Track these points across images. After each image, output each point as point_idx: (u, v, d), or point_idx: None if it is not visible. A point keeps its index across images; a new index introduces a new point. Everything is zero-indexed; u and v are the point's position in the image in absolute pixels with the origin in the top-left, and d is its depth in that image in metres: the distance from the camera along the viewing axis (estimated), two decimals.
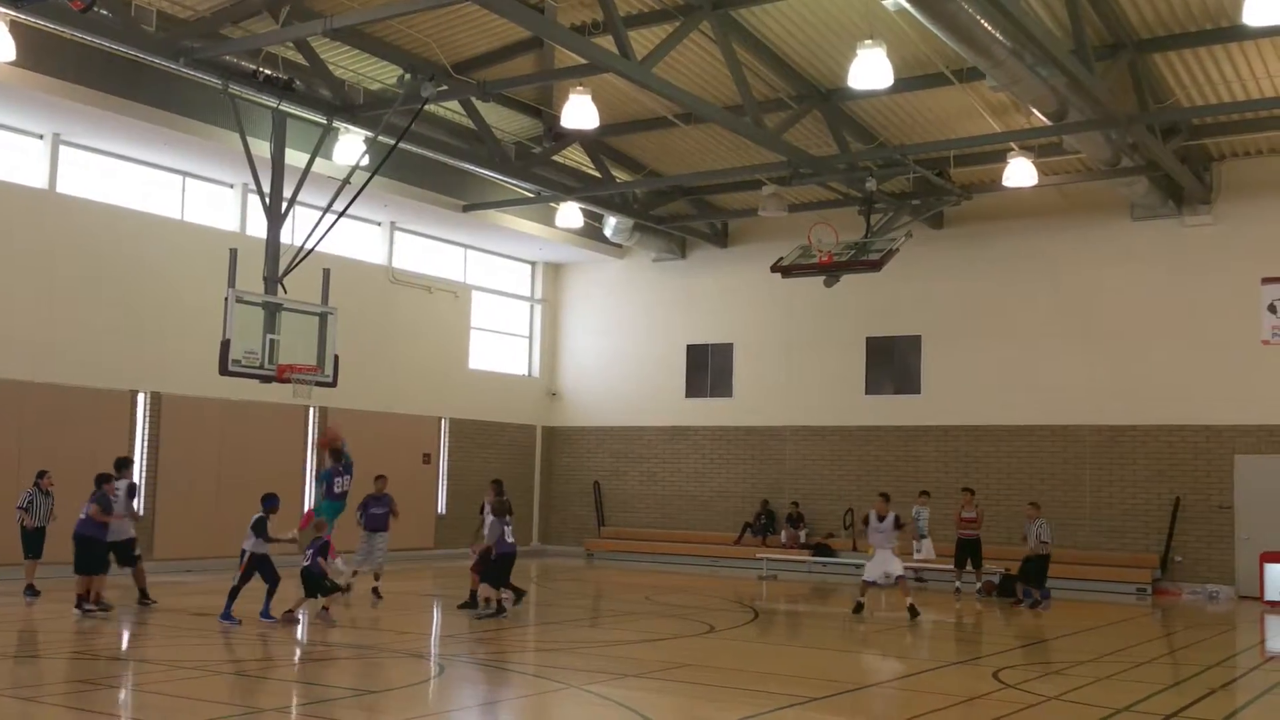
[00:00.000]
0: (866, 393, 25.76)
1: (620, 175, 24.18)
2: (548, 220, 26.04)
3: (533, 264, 29.66)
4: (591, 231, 26.90)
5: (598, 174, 23.39)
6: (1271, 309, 21.88)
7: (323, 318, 17.25)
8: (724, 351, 27.67)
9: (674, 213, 26.46)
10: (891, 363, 25.66)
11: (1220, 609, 20.34)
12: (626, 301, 29.06)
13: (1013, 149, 20.44)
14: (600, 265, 29.04)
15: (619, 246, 28.04)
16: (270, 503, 14.73)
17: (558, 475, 29.25)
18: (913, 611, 16.54)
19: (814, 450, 26.21)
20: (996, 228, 24.41)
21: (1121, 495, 22.87)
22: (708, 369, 27.89)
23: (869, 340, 25.81)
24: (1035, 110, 17.84)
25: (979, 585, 21.07)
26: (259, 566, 14.44)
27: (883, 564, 16.94)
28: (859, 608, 17.01)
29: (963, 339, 24.61)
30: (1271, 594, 20.14)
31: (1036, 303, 23.94)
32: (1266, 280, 21.86)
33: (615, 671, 11.79)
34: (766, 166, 21.74)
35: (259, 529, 14.43)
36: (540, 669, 12.37)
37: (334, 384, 17.33)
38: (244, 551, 14.49)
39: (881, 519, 17.16)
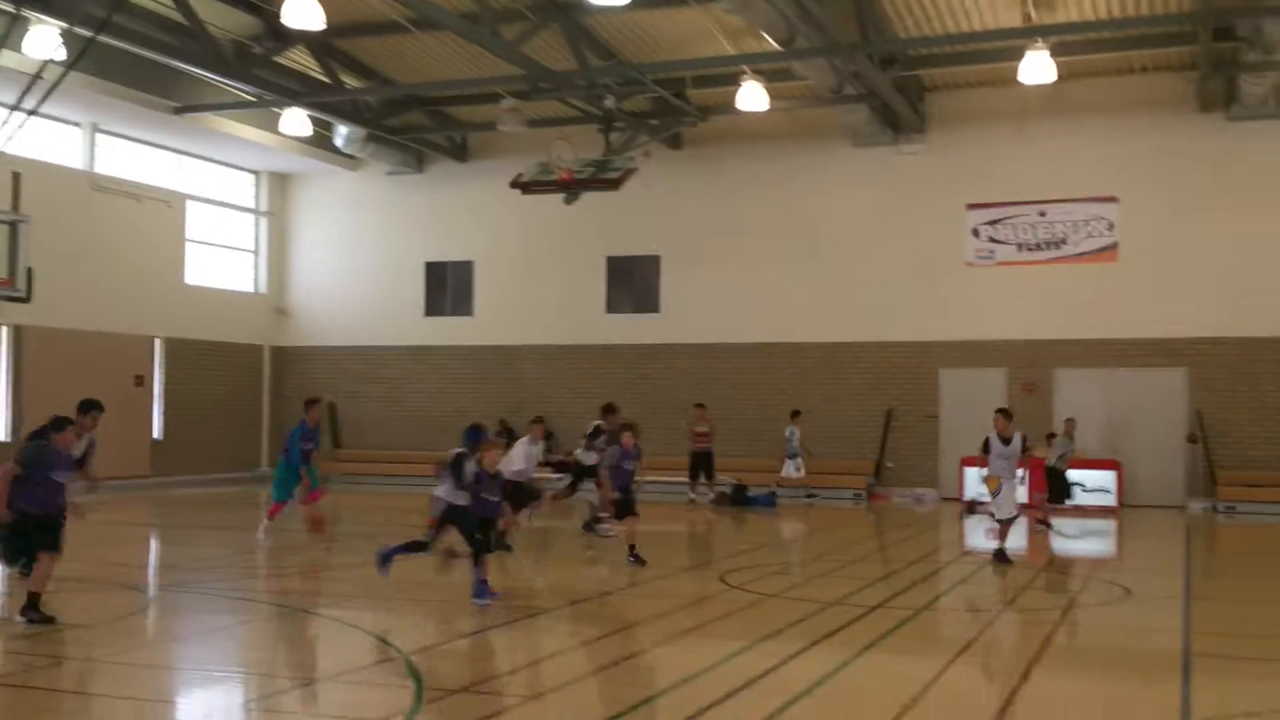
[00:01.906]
0: (607, 311, 26.08)
1: (351, 82, 23.21)
2: (272, 127, 24.68)
3: (257, 174, 28.15)
4: (321, 141, 25.74)
5: (326, 79, 22.36)
6: (976, 233, 23.61)
7: (13, 226, 15.79)
8: (464, 269, 27.29)
9: (410, 124, 25.68)
10: (632, 282, 26.04)
11: (925, 510, 22.01)
12: (361, 216, 28.11)
13: (745, 73, 20.92)
14: (332, 177, 27.89)
15: (351, 158, 27.01)
16: (476, 436, 11.87)
17: (288, 397, 28.17)
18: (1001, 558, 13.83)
19: (554, 369, 26.36)
20: (732, 150, 25.02)
21: (842, 408, 24.20)
22: (448, 287, 27.45)
23: (610, 260, 26.06)
24: (766, 35, 18.30)
25: (712, 496, 21.93)
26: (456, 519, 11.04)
27: (1013, 496, 13.89)
28: (1001, 555, 13.81)
29: (700, 259, 25.21)
30: (970, 495, 21.91)
31: (768, 224, 24.77)
32: (972, 206, 23.56)
33: (344, 594, 11.57)
34: (505, 79, 21.38)
35: (459, 469, 11.04)
36: (270, 595, 11.97)
37: (27, 298, 15.97)
38: (438, 499, 11.09)
39: (1007, 441, 13.76)
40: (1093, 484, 21.51)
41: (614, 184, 19.27)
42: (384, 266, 27.73)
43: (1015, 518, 14.02)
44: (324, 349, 28.17)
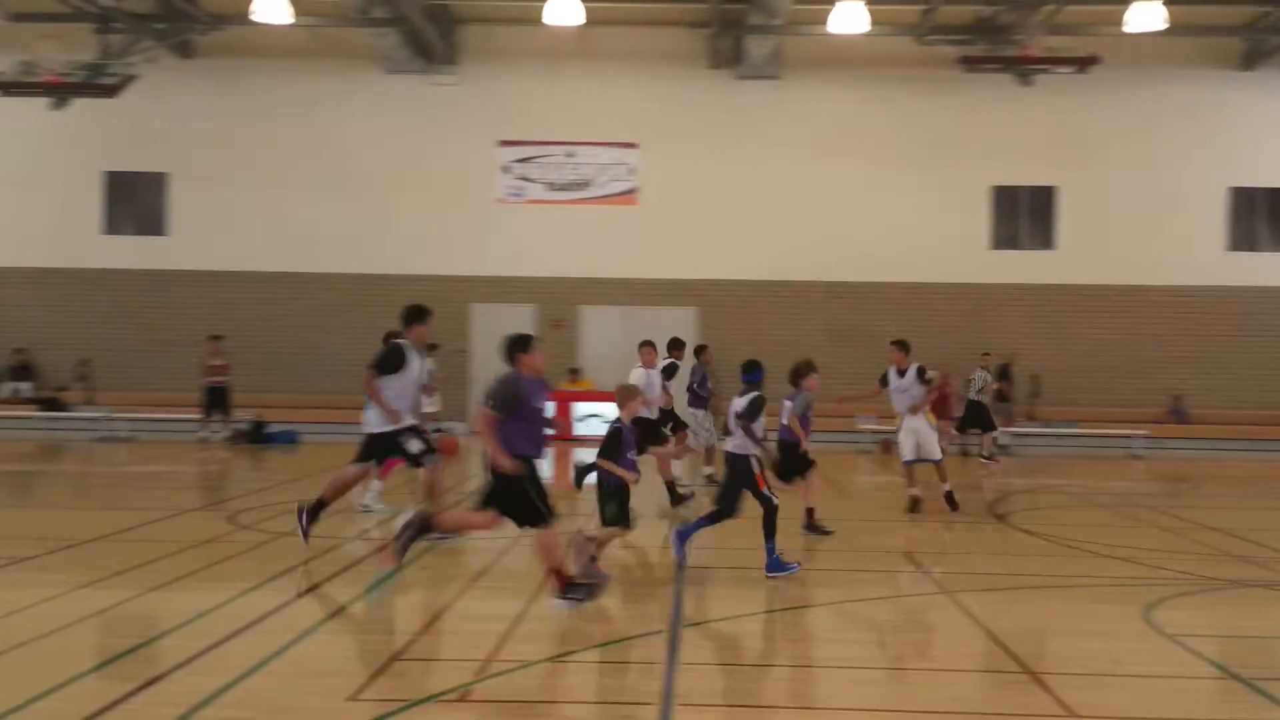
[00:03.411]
0: (105, 232, 23.58)
1: None
2: None
3: None
4: None
5: None
6: (507, 170, 23.79)
7: None
8: None
9: None
10: (134, 201, 23.69)
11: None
12: None
13: None
14: None
15: None
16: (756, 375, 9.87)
17: None
18: (950, 501, 13.03)
19: (43, 295, 23.50)
20: (250, 65, 23.40)
21: (372, 342, 23.50)
22: None
23: (108, 175, 23.54)
24: None
25: (227, 433, 20.61)
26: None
27: (914, 434, 12.92)
28: (915, 504, 13.02)
29: (215, 180, 23.44)
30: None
31: (292, 147, 23.51)
32: (504, 143, 23.69)
33: None
34: None
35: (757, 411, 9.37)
36: None
37: None
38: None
39: (901, 373, 13.07)
40: (614, 416, 22.49)
41: (110, 91, 17.30)
42: None
43: (918, 460, 12.94)
44: None
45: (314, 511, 10.11)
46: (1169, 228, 23.49)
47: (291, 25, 20.39)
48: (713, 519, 9.55)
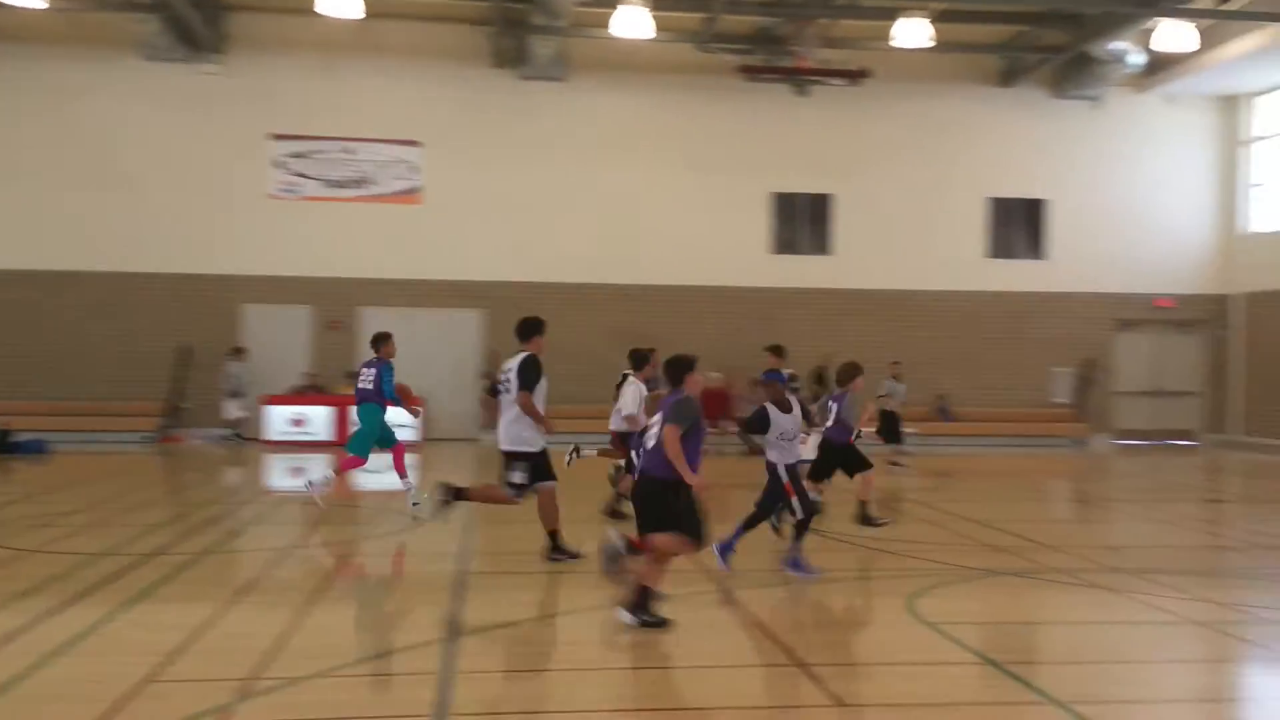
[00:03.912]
0: None
1: None
2: None
3: None
4: None
5: None
6: (280, 165, 22.90)
7: None
8: None
9: None
10: None
11: (223, 452, 20.99)
12: None
13: None
14: None
15: None
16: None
17: None
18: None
19: None
20: (0, 50, 21.71)
21: (132, 344, 22.27)
22: None
23: None
24: None
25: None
26: None
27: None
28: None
29: None
30: (273, 434, 21.34)
31: (44, 136, 21.99)
32: (276, 136, 22.80)
33: None
34: None
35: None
36: None
37: None
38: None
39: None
40: (395, 420, 21.91)
41: None
42: None
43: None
44: None
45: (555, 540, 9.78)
46: (935, 235, 24.71)
47: (45, 9, 19.04)
48: (749, 524, 9.69)
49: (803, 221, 24.65)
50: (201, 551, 10.32)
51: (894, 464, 19.13)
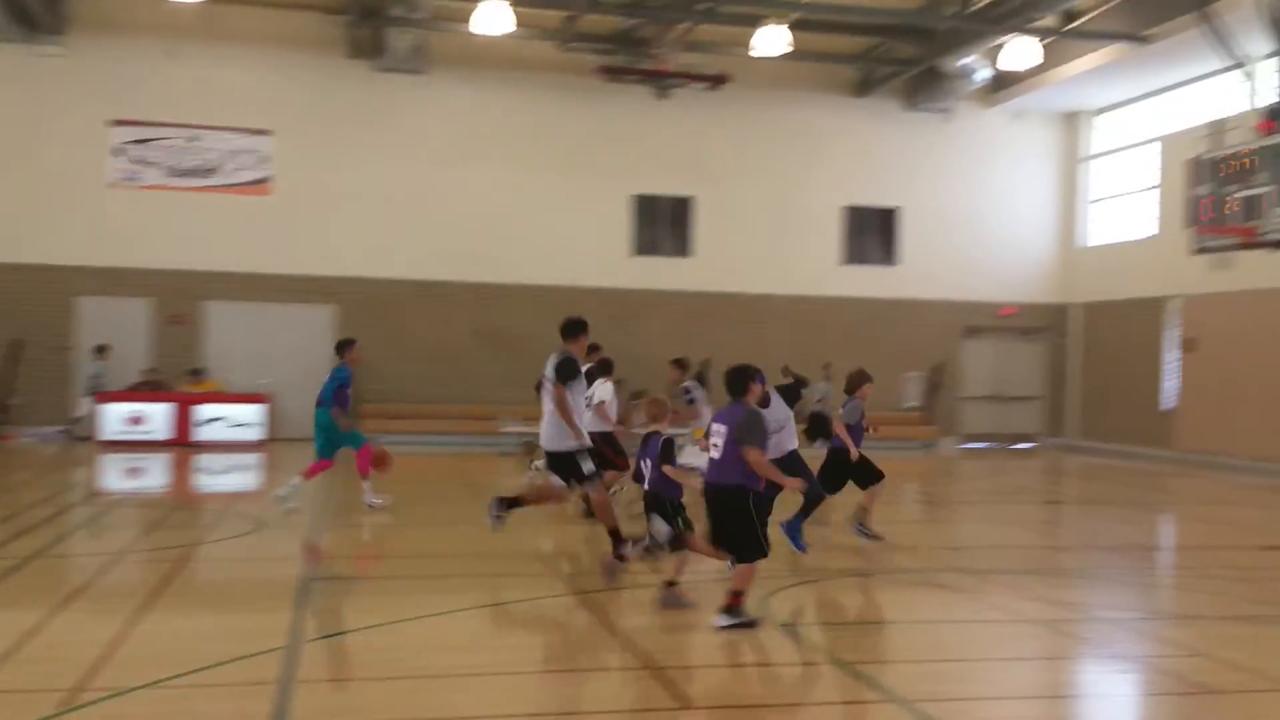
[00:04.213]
0: None
1: None
2: None
3: None
4: None
5: None
6: (120, 152, 21.92)
7: None
8: None
9: None
10: None
11: (58, 450, 19.99)
12: None
13: None
14: None
15: None
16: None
17: None
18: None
19: None
20: None
21: None
22: None
23: None
24: None
25: None
26: None
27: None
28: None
29: None
30: (108, 433, 20.38)
31: None
32: (117, 122, 21.82)
33: None
34: None
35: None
36: None
37: None
38: None
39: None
40: (240, 419, 21.32)
41: None
42: None
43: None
44: None
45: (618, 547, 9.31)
46: (792, 240, 25.10)
47: None
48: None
49: (664, 224, 24.76)
50: (30, 555, 9.74)
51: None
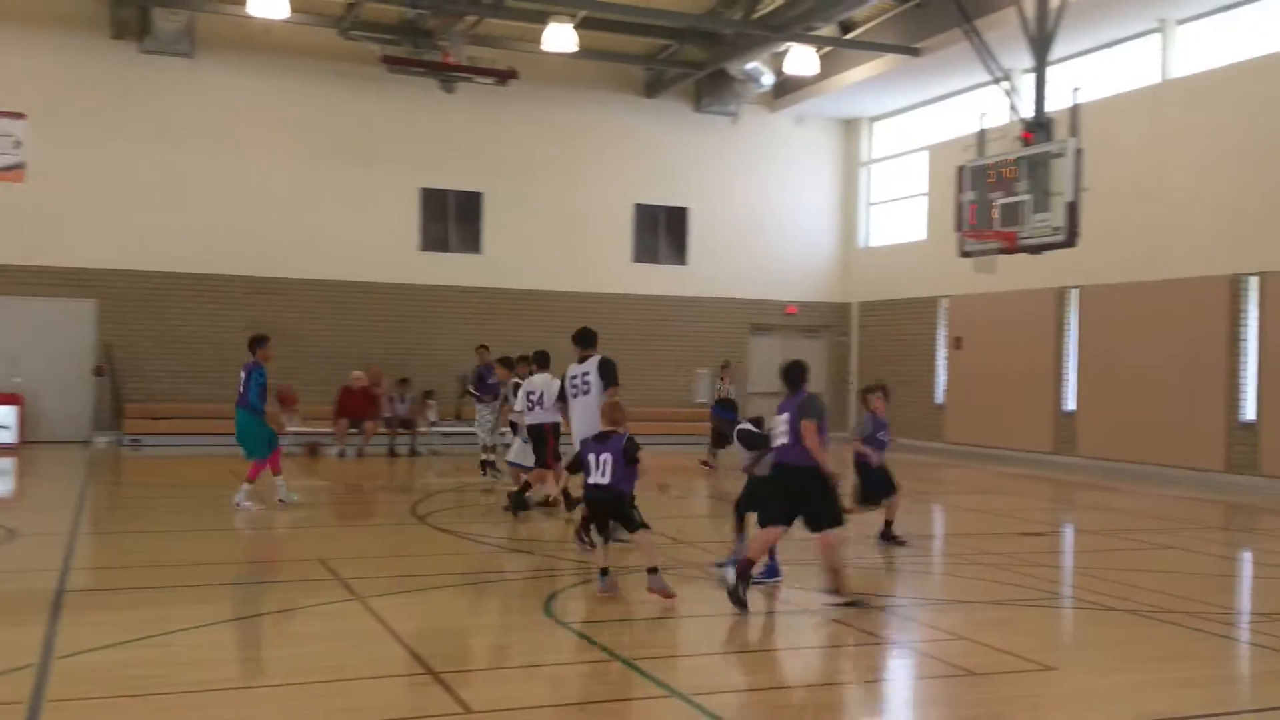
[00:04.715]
0: None
1: None
2: None
3: None
4: None
5: None
6: None
7: None
8: None
9: None
10: None
11: None
12: None
13: None
14: None
15: None
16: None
17: None
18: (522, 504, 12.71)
19: None
20: None
21: None
22: None
23: None
24: None
25: None
26: None
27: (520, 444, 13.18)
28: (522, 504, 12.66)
29: None
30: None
31: None
32: None
33: None
34: None
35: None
36: None
37: None
38: None
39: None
40: None
41: None
42: None
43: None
44: None
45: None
46: (584, 238, 25.11)
47: None
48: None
49: (453, 219, 24.35)
50: None
51: (705, 464, 19.57)
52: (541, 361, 13.14)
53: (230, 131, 22.36)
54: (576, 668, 6.94)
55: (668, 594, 8.27)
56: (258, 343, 12.94)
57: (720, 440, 20.02)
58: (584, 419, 10.51)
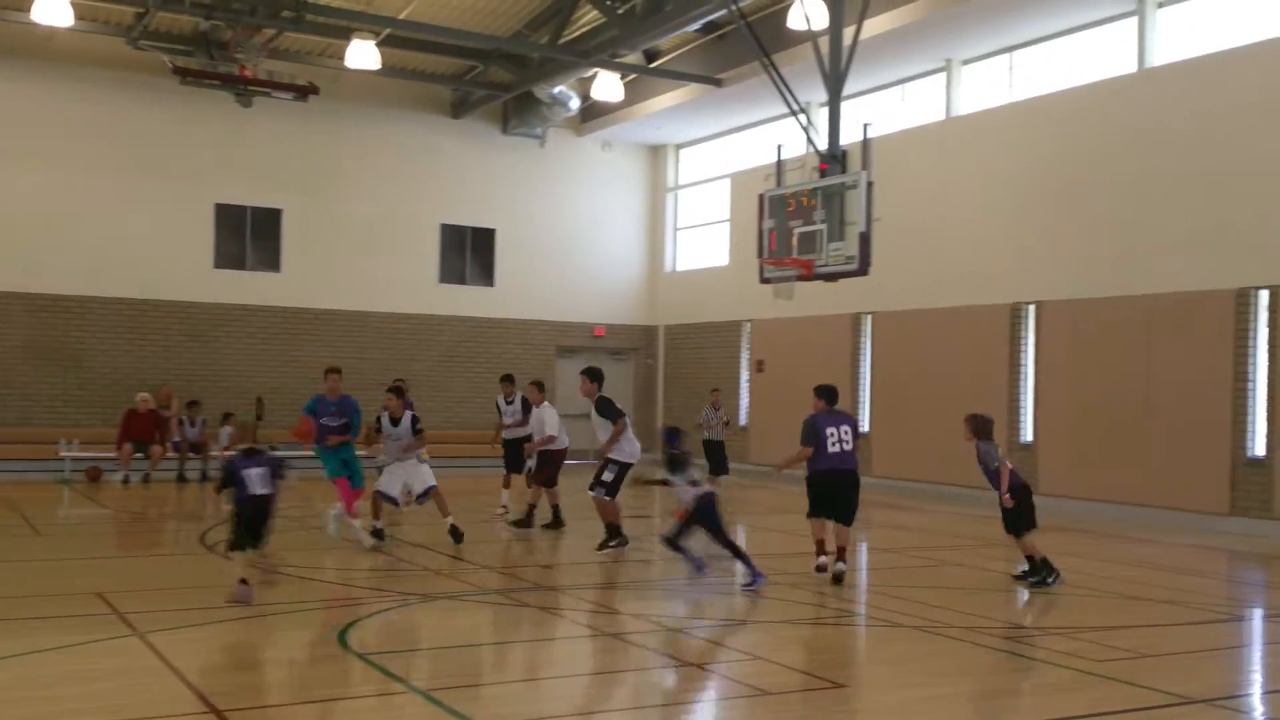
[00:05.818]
0: None
1: None
2: None
3: None
4: None
5: None
6: None
7: None
8: None
9: None
10: None
11: None
12: None
13: None
14: None
15: None
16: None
17: None
18: (455, 534, 12.89)
19: None
20: None
21: None
22: None
23: None
24: None
25: None
26: None
27: (402, 475, 13.04)
28: (378, 534, 12.74)
29: None
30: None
31: None
32: None
33: None
34: None
35: None
36: None
37: None
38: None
39: (395, 421, 13.15)
40: None
41: None
42: None
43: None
44: None
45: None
46: (389, 257, 24.63)
47: None
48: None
49: (250, 236, 23.50)
50: None
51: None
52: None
53: (4, 143, 21.06)
54: (368, 701, 6.75)
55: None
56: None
57: (717, 468, 20.63)
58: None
